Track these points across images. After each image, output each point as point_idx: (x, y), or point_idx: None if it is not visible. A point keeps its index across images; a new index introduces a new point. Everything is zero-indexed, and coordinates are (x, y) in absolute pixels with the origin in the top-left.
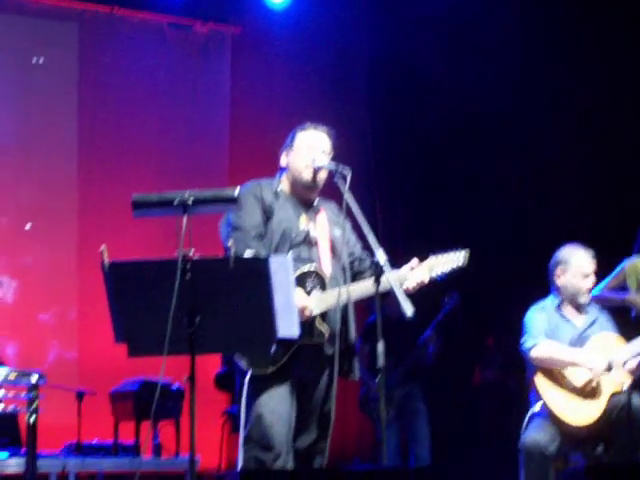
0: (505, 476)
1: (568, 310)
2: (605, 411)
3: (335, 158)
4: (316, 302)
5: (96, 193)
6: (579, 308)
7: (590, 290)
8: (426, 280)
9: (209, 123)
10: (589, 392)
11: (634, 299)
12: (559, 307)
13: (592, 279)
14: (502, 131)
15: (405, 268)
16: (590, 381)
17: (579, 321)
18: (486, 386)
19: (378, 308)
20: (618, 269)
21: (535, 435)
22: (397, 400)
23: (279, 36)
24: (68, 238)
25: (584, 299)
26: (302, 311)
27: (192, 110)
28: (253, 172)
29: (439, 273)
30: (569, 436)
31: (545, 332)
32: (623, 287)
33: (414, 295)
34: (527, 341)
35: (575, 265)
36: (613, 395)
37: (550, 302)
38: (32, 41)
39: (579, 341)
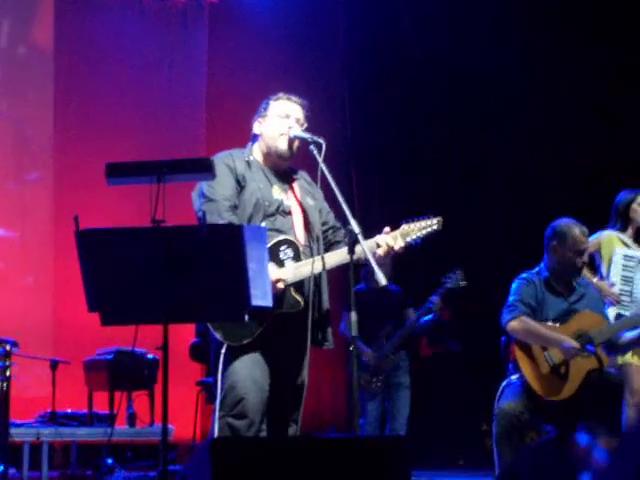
0: (469, 446)
1: (557, 283)
2: (580, 387)
3: (312, 127)
4: (290, 272)
5: (72, 162)
6: (569, 283)
7: (582, 268)
8: (397, 247)
9: (186, 93)
10: (566, 368)
11: (600, 284)
12: (548, 280)
13: (585, 257)
14: (482, 99)
15: (377, 237)
16: (565, 358)
17: (567, 295)
18: (434, 357)
19: (351, 277)
20: (593, 238)
21: (511, 402)
22: (387, 370)
23: (256, 6)
24: (44, 207)
25: (576, 275)
26: (275, 283)
27: (169, 80)
28: (230, 142)
29: (414, 238)
30: (543, 409)
31: (531, 306)
32: (593, 255)
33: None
34: (505, 314)
35: (570, 241)
36: (590, 372)
37: (538, 274)
38: (7, 12)
39: (565, 316)
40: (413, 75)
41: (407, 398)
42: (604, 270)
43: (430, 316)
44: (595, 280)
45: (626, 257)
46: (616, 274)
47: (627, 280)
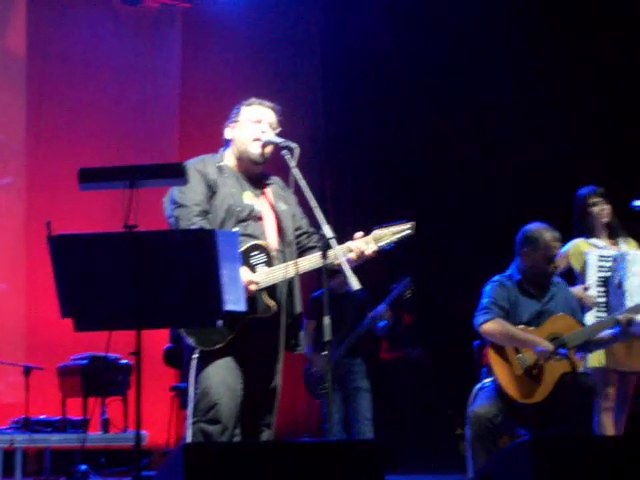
0: (440, 451)
1: (530, 286)
2: (554, 391)
3: (285, 133)
4: (262, 277)
5: (44, 167)
6: (542, 285)
7: (553, 273)
8: (368, 251)
9: (159, 98)
10: (539, 371)
11: (574, 290)
12: (520, 283)
13: (556, 262)
14: (453, 106)
15: (349, 242)
16: (539, 361)
17: (541, 297)
18: (395, 361)
19: (324, 282)
20: (562, 252)
21: (485, 405)
22: (340, 375)
23: (230, 11)
24: (16, 212)
25: (547, 280)
26: (247, 286)
27: (142, 85)
28: (204, 147)
29: (387, 243)
30: (517, 412)
31: (504, 309)
32: (567, 269)
33: (366, 272)
34: (479, 316)
35: (542, 247)
36: (563, 375)
37: (510, 277)
38: None
39: (538, 318)
40: (388, 80)
41: (367, 401)
42: (582, 278)
43: (384, 322)
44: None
45: (601, 258)
46: (592, 276)
47: (604, 280)
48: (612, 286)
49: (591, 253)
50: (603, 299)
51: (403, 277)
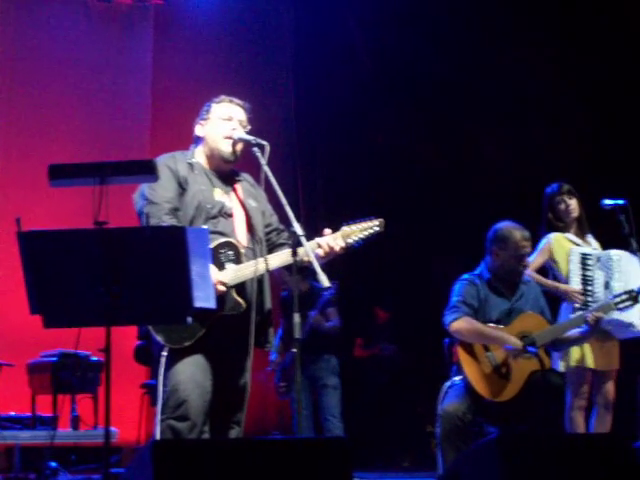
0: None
1: (500, 284)
2: (523, 388)
3: (257, 130)
4: (231, 275)
5: (15, 164)
6: (512, 284)
7: (523, 272)
8: (337, 248)
9: (131, 95)
10: (508, 369)
11: (565, 289)
12: (490, 281)
13: (526, 261)
14: (425, 104)
15: (318, 239)
16: (508, 359)
17: (510, 296)
18: (369, 358)
19: (294, 279)
20: (541, 246)
21: (454, 403)
22: (307, 373)
23: (202, 8)
24: None
25: (517, 279)
26: (215, 286)
27: (114, 82)
28: (176, 144)
29: (356, 240)
30: (486, 410)
31: (473, 307)
32: (548, 263)
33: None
34: (448, 314)
35: (512, 246)
36: (532, 373)
37: (480, 275)
38: None
39: (508, 316)
40: (360, 77)
41: (335, 398)
42: (562, 273)
43: (334, 321)
44: (560, 285)
45: (584, 256)
46: (575, 274)
47: (588, 279)
48: (597, 285)
49: (575, 251)
50: (587, 297)
51: (332, 282)
